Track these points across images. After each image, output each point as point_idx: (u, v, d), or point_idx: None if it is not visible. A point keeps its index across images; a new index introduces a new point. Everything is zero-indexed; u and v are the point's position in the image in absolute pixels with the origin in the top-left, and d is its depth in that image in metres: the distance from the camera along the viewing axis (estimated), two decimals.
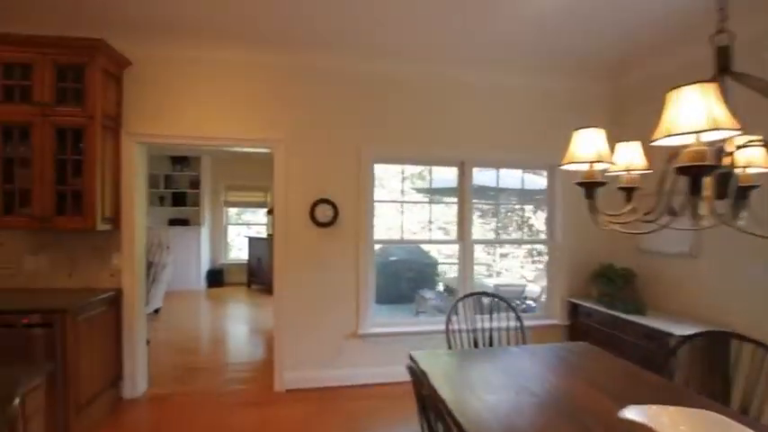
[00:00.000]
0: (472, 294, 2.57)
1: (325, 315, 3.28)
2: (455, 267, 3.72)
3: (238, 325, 5.33)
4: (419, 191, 5.06)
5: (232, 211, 8.22)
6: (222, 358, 4.06)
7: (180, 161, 7.49)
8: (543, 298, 5.12)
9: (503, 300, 2.49)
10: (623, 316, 3.03)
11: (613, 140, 1.43)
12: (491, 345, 2.44)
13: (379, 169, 3.57)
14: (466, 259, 3.57)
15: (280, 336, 3.24)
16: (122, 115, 3.02)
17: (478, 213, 4.86)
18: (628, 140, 1.48)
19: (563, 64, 3.34)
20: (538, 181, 4.09)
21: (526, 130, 3.60)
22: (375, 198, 3.41)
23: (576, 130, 1.36)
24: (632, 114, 3.51)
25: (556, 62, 3.31)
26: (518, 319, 2.41)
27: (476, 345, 2.40)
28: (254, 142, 3.17)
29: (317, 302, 3.26)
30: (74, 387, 2.49)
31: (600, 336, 3.22)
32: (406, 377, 1.48)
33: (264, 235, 7.63)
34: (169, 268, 5.35)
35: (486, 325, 2.46)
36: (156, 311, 5.47)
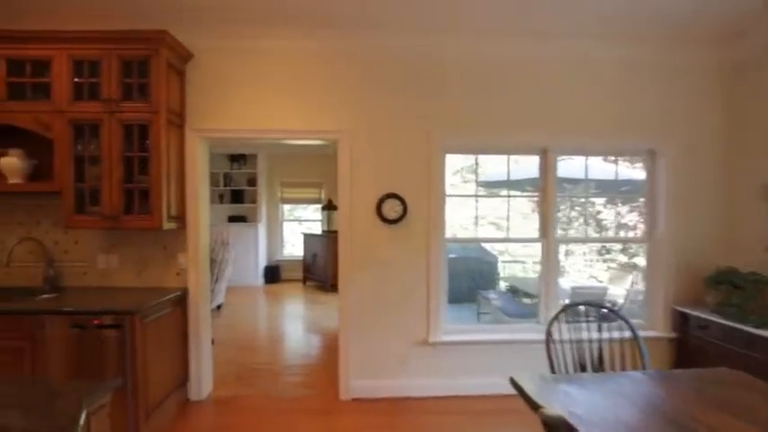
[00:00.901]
0: (577, 305, 2.17)
1: (394, 319, 3.02)
2: (518, 267, 3.31)
3: (297, 323, 5.24)
4: (477, 185, 4.67)
5: (286, 207, 8.24)
6: (283, 359, 3.95)
7: (238, 159, 7.60)
8: (630, 303, 4.54)
9: (616, 314, 2.06)
10: (758, 332, 2.48)
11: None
12: (600, 365, 2.04)
13: None
14: (550, 260, 3.15)
15: (345, 340, 3.03)
16: (186, 111, 2.94)
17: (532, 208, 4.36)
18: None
19: (660, 31, 2.81)
20: (609, 169, 3.55)
21: (620, 111, 3.09)
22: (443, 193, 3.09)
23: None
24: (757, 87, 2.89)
25: (654, 29, 2.79)
26: (635, 336, 1.98)
27: (582, 367, 2.01)
28: (317, 134, 2.96)
29: (384, 305, 3.01)
30: (143, 391, 2.42)
31: (720, 354, 2.69)
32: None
33: (319, 231, 7.57)
34: (230, 265, 5.38)
35: (585, 337, 2.05)
36: (219, 307, 5.54)
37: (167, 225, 2.69)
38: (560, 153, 3.16)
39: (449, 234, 3.16)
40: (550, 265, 3.15)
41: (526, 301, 5.70)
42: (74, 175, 2.62)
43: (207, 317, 3.12)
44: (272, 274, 7.79)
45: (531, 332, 3.07)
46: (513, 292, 6.21)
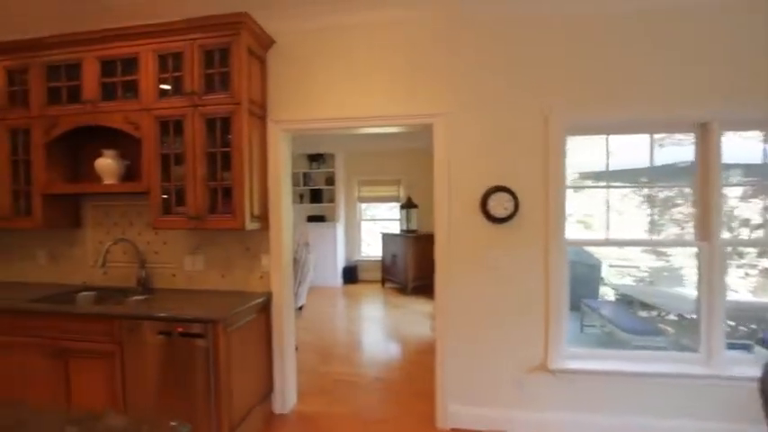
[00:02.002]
0: None
1: (503, 337, 2.51)
2: (617, 271, 2.57)
3: (378, 329, 4.93)
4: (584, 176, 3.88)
5: (363, 206, 8.04)
6: (367, 370, 3.62)
7: (317, 158, 7.56)
8: None
9: None
10: None
11: None
12: None
13: None
14: (713, 269, 2.40)
15: (442, 357, 2.59)
16: (267, 102, 2.72)
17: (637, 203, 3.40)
18: None
19: None
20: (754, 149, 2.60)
21: None
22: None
23: None
24: None
25: None
26: None
27: None
28: (409, 119, 2.56)
29: (490, 320, 2.52)
30: (227, 404, 2.22)
31: None
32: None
33: (397, 231, 7.23)
34: (311, 266, 5.24)
35: None
36: (300, 308, 5.45)
37: (250, 225, 2.49)
38: (728, 126, 2.38)
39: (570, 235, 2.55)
40: (713, 275, 2.40)
41: (642, 313, 4.80)
42: (160, 174, 2.52)
43: (291, 323, 2.89)
44: (351, 274, 7.63)
45: (692, 364, 2.36)
46: (627, 302, 5.28)
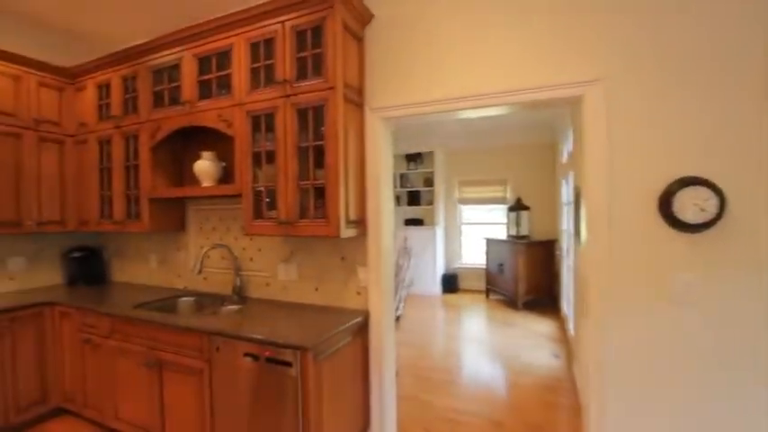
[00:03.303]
0: None
1: (701, 410, 1.70)
2: None
3: (490, 352, 4.24)
4: None
5: (464, 209, 7.36)
6: (482, 408, 2.99)
7: (414, 158, 7.14)
8: None
9: None
10: None
11: None
12: None
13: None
14: None
15: (598, 418, 1.87)
16: (365, 87, 2.32)
17: None
18: None
19: None
20: None
21: None
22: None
23: None
24: None
25: None
26: None
27: None
28: (548, 91, 1.91)
29: (679, 381, 1.72)
30: None
31: None
32: None
33: (504, 236, 6.42)
34: (410, 274, 4.79)
35: None
36: (397, 319, 5.04)
37: (346, 232, 2.10)
38: None
39: None
40: None
41: None
42: (252, 174, 2.29)
43: (392, 349, 2.44)
44: (450, 283, 7.03)
45: None
46: None
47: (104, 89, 2.95)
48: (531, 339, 4.52)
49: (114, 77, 2.86)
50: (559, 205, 5.54)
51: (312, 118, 2.10)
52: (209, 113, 2.41)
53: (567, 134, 4.25)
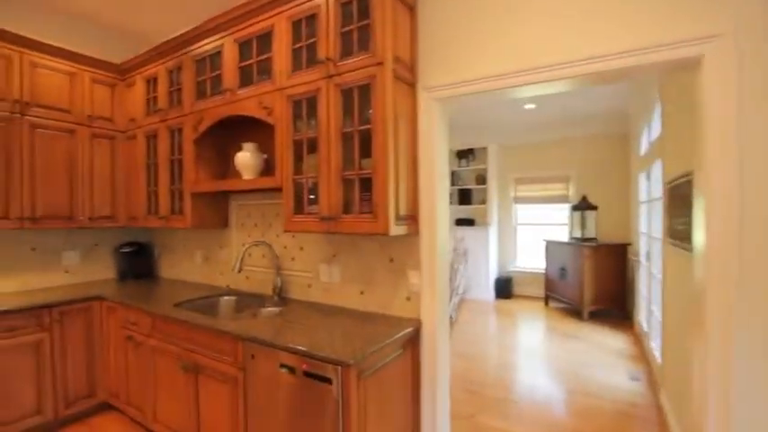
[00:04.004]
0: None
1: None
2: None
3: (553, 368, 3.79)
4: None
5: (519, 208, 6.83)
6: None
7: (465, 155, 6.74)
8: None
9: None
10: None
11: None
12: None
13: None
14: None
15: None
16: (418, 63, 2.04)
17: None
18: None
19: None
20: None
21: None
22: None
23: None
24: None
25: None
26: None
27: None
28: (651, 53, 1.51)
29: None
30: None
31: None
32: None
33: (566, 238, 5.84)
34: (464, 276, 4.44)
35: None
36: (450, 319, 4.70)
37: (396, 230, 1.83)
38: None
39: None
40: None
41: None
42: (292, 165, 2.09)
43: (446, 363, 2.13)
44: (504, 287, 6.54)
45: None
46: None
47: (152, 83, 2.92)
48: (601, 356, 3.99)
49: (161, 70, 2.81)
50: (634, 204, 4.90)
51: (358, 100, 1.85)
52: (249, 101, 2.25)
53: (650, 119, 3.67)
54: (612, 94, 4.50)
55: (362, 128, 1.84)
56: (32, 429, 2.47)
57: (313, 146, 2.01)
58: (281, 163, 2.11)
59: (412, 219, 1.99)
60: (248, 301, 2.61)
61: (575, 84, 1.74)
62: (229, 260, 2.92)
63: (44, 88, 2.75)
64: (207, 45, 2.48)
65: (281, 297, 2.52)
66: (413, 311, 2.08)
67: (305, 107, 2.03)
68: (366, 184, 1.85)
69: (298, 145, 2.08)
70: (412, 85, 2.00)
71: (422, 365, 2.05)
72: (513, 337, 4.70)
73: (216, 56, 2.45)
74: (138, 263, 3.34)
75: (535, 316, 5.55)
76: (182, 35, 2.60)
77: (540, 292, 6.27)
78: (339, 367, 1.54)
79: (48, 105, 2.77)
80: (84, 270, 3.21)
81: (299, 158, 2.09)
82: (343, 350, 1.61)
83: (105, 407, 2.80)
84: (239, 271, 2.42)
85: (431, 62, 1.99)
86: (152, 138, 2.92)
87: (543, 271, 6.13)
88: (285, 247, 2.60)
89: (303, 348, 1.64)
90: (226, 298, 2.68)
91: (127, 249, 3.28)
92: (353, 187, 1.88)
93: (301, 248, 2.52)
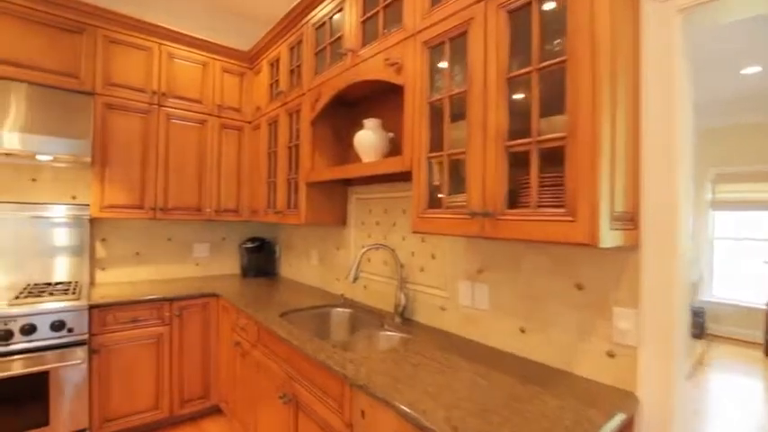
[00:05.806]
0: None
1: None
2: None
3: None
4: None
5: (720, 216, 5.03)
6: None
7: None
8: None
9: None
10: None
11: None
12: None
13: None
14: None
15: None
16: None
17: None
18: None
19: None
20: None
21: None
22: None
23: None
24: None
25: None
26: None
27: None
28: None
29: None
30: None
31: None
32: None
33: None
34: None
35: None
36: None
37: (609, 238, 1.03)
38: None
39: None
40: None
41: None
42: (428, 140, 1.47)
43: None
44: (693, 323, 4.85)
45: None
46: None
47: (275, 66, 2.68)
48: None
49: (283, 50, 2.53)
50: None
51: (537, 22, 1.12)
52: (373, 61, 1.72)
53: None
54: None
55: (545, 66, 1.10)
56: (149, 425, 2.38)
57: (458, 109, 1.36)
58: (412, 137, 1.51)
59: (630, 221, 1.16)
60: (364, 318, 2.09)
61: None
62: (346, 264, 2.47)
63: (179, 78, 2.72)
64: (328, 5, 2.06)
65: (404, 318, 1.93)
66: (618, 377, 1.24)
67: (448, 52, 1.38)
68: (552, 158, 1.11)
69: (435, 110, 1.45)
70: None
71: None
72: (716, 398, 3.26)
73: (337, 15, 2.01)
74: (259, 259, 3.17)
75: (750, 369, 3.88)
76: (297, 5, 2.25)
77: (758, 334, 4.46)
78: None
79: (181, 96, 2.73)
80: (212, 263, 3.17)
81: (436, 130, 1.46)
82: None
83: (215, 410, 2.62)
84: (354, 280, 1.90)
85: None
86: (273, 125, 2.67)
87: (764, 306, 4.33)
88: (412, 254, 2.00)
89: (439, 428, 0.99)
90: (339, 310, 2.22)
91: (249, 245, 3.14)
92: (526, 166, 1.16)
93: (433, 257, 1.89)
